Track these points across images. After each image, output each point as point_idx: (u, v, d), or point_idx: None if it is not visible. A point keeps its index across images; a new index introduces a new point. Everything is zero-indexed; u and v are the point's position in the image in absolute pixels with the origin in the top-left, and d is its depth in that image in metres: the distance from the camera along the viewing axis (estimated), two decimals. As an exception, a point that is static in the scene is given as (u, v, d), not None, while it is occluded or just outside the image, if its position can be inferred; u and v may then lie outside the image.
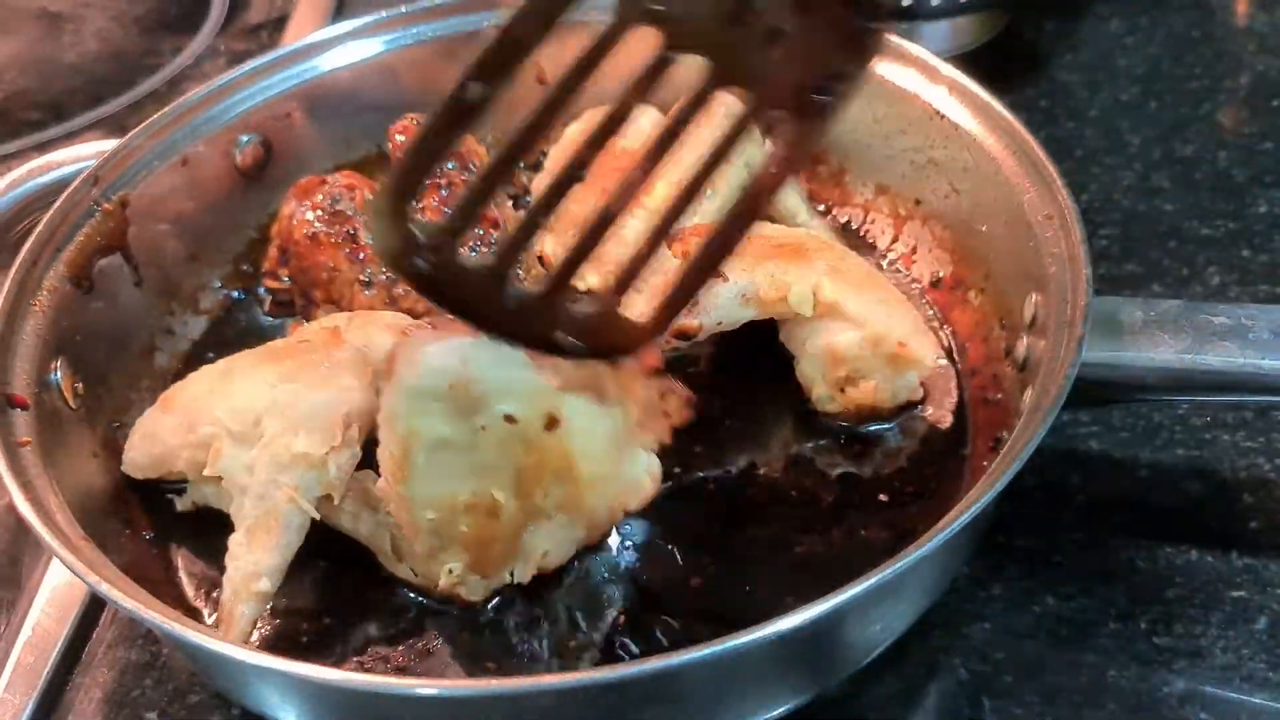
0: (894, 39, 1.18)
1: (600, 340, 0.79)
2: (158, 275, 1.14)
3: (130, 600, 0.78)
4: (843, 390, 1.04)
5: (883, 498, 1.00)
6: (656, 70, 0.76)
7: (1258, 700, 0.88)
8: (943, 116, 1.14)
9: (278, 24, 1.75)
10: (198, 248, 1.19)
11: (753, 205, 0.81)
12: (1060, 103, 1.48)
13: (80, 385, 1.00)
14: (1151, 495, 1.02)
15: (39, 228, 1.04)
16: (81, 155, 1.14)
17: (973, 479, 1.00)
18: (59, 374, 0.99)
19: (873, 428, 1.05)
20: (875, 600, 0.79)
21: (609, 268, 0.79)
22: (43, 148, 1.54)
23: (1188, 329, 0.91)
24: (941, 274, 1.18)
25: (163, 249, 1.15)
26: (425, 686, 0.75)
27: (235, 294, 1.21)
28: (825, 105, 0.79)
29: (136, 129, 1.14)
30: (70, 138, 1.56)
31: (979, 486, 0.81)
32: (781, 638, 0.72)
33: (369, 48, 1.26)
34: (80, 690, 0.95)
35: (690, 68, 0.76)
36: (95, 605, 0.99)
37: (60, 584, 1.00)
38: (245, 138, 1.21)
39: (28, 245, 1.02)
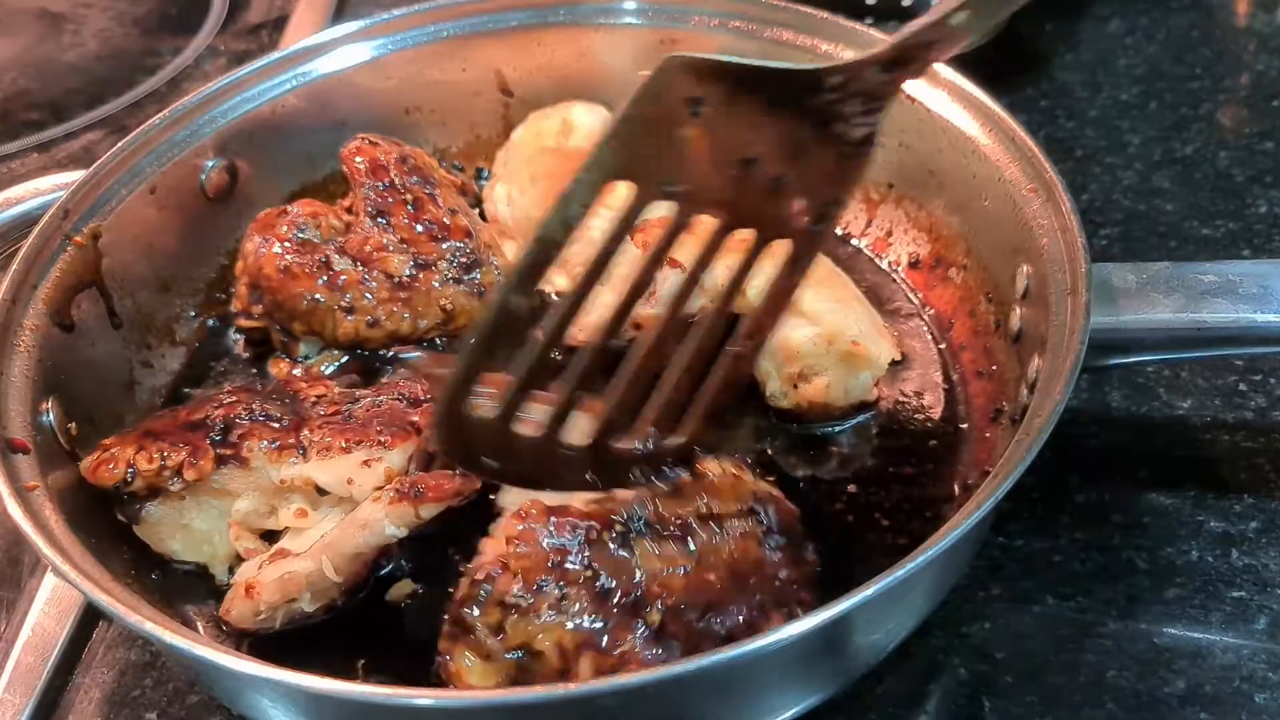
0: (858, 27, 1.19)
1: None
2: (132, 308, 1.12)
3: (131, 613, 0.78)
4: (795, 386, 1.04)
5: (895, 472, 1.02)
6: (676, 232, 0.85)
7: (1258, 700, 0.88)
8: (914, 101, 1.14)
9: (277, 24, 1.75)
10: (169, 277, 1.18)
11: (772, 317, 0.88)
12: (1060, 103, 1.48)
13: (73, 426, 0.99)
14: (1151, 495, 1.02)
15: (15, 265, 1.02)
16: (41, 189, 1.12)
17: (977, 450, 1.01)
18: (51, 415, 0.97)
19: (839, 427, 1.06)
20: (916, 580, 0.79)
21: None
22: (44, 148, 1.55)
23: (1180, 289, 0.93)
24: (920, 254, 1.19)
25: (136, 281, 1.13)
26: (422, 696, 0.75)
27: (210, 323, 1.20)
28: (822, 229, 0.88)
29: (103, 158, 1.12)
30: (70, 138, 1.56)
31: (1011, 452, 0.82)
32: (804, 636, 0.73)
33: (325, 66, 1.26)
34: (80, 690, 0.95)
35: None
36: (95, 606, 0.99)
37: (60, 585, 1.00)
38: (210, 162, 1.20)
39: (5, 284, 1.00)
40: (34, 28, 1.79)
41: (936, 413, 1.06)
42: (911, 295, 1.18)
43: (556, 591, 0.80)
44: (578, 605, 0.79)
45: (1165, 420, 1.08)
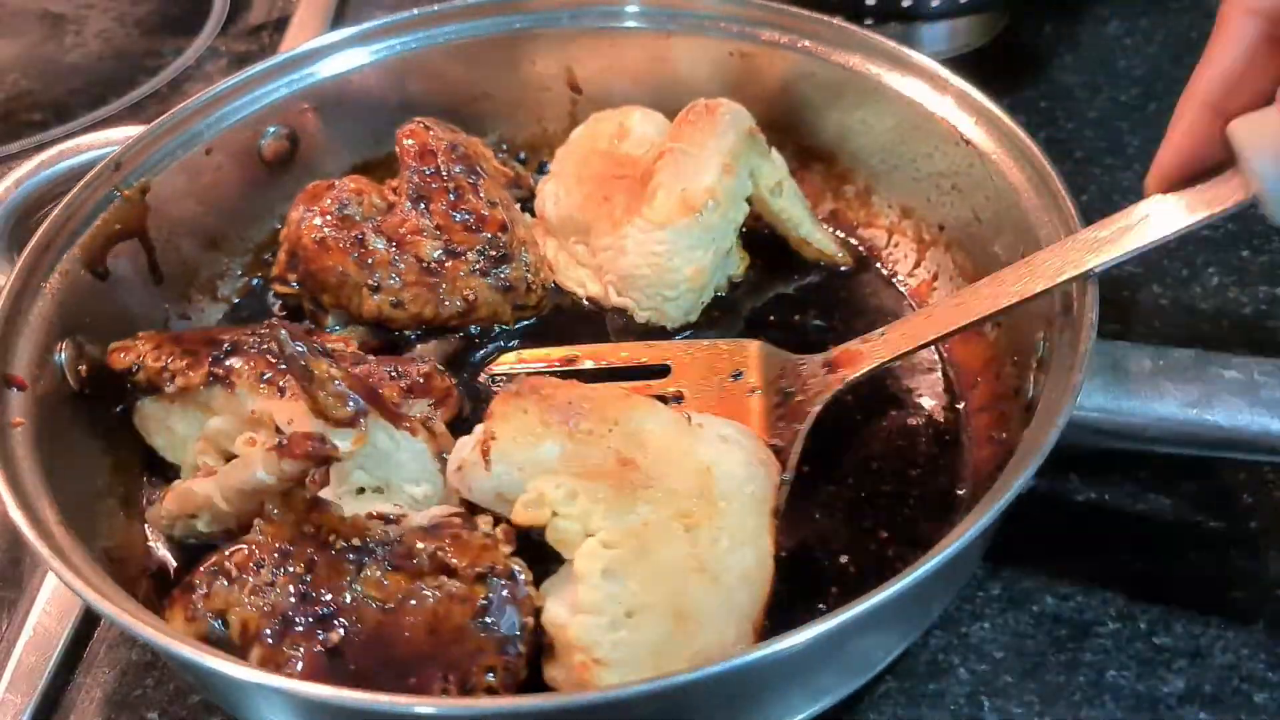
0: (922, 59, 1.15)
1: None
2: (175, 262, 1.15)
3: (127, 617, 0.77)
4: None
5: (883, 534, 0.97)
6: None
7: (1258, 700, 0.88)
8: (968, 142, 1.11)
9: (278, 25, 1.76)
10: (219, 235, 1.21)
11: None
12: (1060, 104, 1.48)
13: (84, 368, 1.00)
14: (1151, 496, 1.02)
15: (55, 211, 1.04)
16: (112, 139, 1.14)
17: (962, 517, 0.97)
18: (64, 355, 0.99)
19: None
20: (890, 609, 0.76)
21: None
22: (45, 149, 1.54)
23: (1196, 381, 0.87)
24: None
25: (182, 236, 1.16)
26: (423, 704, 0.74)
27: (255, 282, 1.23)
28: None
29: (162, 116, 1.14)
30: (71, 139, 1.56)
31: (977, 510, 0.79)
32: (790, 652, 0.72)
33: (388, 48, 1.27)
34: (81, 690, 0.95)
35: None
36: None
37: (61, 585, 1.00)
38: (271, 129, 1.22)
39: (42, 229, 1.02)
40: (35, 28, 1.79)
41: (932, 475, 1.02)
42: (937, 347, 1.10)
43: (269, 576, 0.83)
44: (274, 597, 0.82)
45: (1165, 421, 1.08)
